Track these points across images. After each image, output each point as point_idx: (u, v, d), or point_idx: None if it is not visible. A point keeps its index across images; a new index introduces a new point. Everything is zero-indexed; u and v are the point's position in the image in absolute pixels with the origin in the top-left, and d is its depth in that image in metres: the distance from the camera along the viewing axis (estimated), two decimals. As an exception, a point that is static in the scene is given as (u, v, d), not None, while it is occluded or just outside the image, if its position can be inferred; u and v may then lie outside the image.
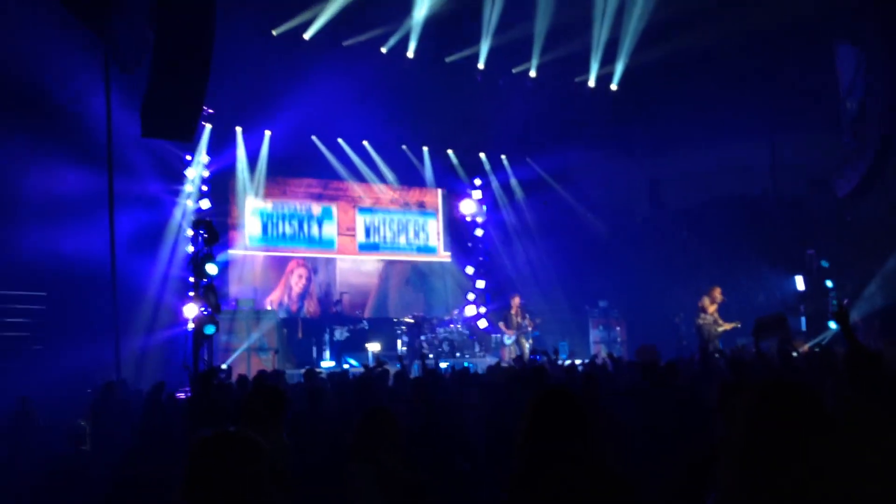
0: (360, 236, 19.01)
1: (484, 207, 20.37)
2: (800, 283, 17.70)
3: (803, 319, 17.07)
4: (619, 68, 17.29)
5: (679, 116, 17.95)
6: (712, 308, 14.85)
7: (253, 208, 17.57)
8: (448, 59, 16.46)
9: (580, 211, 20.05)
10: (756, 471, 2.01)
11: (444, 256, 19.97)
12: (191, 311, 13.14)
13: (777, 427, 2.04)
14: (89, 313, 12.34)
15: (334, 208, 18.72)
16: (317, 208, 18.49)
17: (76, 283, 12.80)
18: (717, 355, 12.33)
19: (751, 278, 17.85)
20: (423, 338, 17.08)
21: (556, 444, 2.71)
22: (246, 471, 2.50)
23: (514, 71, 17.17)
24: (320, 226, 18.48)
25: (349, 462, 3.78)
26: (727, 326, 14.70)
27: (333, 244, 18.52)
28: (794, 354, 10.36)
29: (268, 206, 17.77)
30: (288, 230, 18.01)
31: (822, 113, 16.90)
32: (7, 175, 12.31)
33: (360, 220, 19.10)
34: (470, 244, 20.21)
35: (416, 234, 19.77)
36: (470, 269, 19.87)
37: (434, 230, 20.01)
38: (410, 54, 15.93)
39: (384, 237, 19.34)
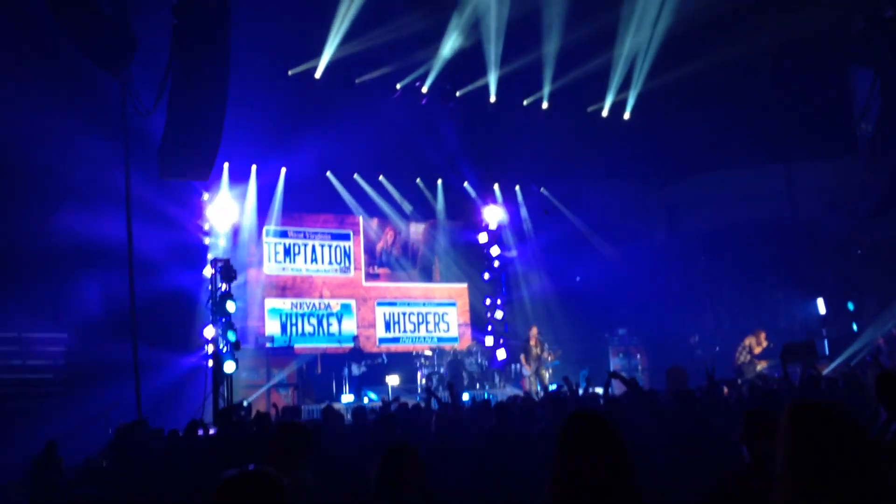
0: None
1: (505, 220, 20.30)
2: (821, 306, 17.58)
3: (825, 342, 16.94)
4: (632, 96, 17.33)
5: (694, 142, 17.97)
6: (758, 350, 15.02)
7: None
8: (459, 93, 16.58)
9: (595, 239, 20.01)
10: (806, 493, 1.99)
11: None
12: (209, 332, 13.26)
13: (817, 447, 2.02)
14: (110, 354, 12.41)
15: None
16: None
17: (96, 325, 12.90)
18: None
19: (771, 303, 17.73)
20: (442, 370, 17.05)
21: (590, 475, 2.57)
22: None
23: (525, 102, 17.24)
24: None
25: (373, 501, 3.73)
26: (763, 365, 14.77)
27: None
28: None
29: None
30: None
31: (838, 135, 16.87)
32: (27, 222, 12.47)
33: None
34: (487, 275, 20.17)
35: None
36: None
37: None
38: (425, 89, 16.15)
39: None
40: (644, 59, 15.93)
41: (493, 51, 15.27)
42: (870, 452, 2.01)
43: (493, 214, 20.13)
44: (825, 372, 12.97)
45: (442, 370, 17.11)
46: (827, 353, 16.52)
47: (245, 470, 2.63)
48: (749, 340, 15.13)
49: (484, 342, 18.79)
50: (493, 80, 16.26)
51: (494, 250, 20.15)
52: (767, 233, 18.42)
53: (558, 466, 2.62)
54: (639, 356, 18.52)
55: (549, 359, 16.69)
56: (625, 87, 17.01)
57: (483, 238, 20.22)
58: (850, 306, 16.95)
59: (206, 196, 15.77)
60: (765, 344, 15.02)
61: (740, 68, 15.50)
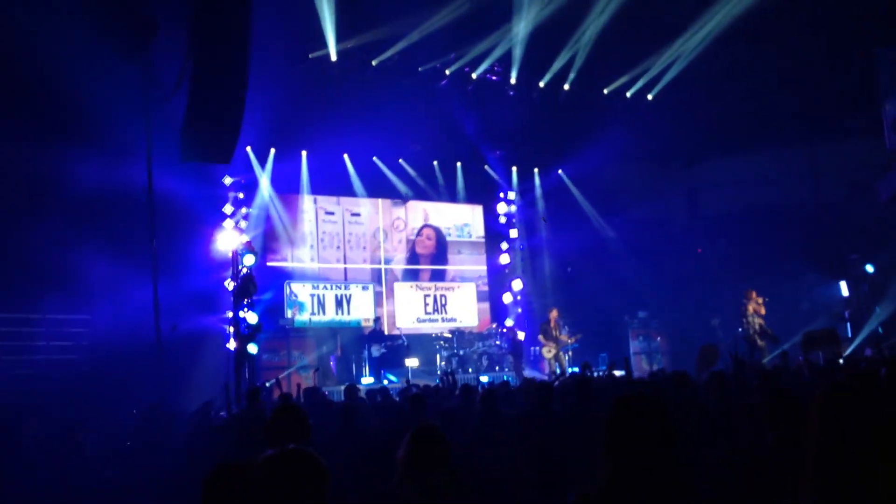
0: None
1: (514, 211, 20.32)
2: (844, 288, 17.47)
3: (849, 325, 16.86)
4: (654, 78, 17.19)
5: (716, 124, 17.82)
6: (763, 311, 14.58)
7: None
8: (475, 75, 16.51)
9: (615, 221, 19.92)
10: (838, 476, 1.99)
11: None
12: (252, 317, 13.39)
13: (851, 429, 2.02)
14: (133, 335, 12.52)
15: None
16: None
17: (119, 305, 13.01)
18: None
19: (794, 286, 17.62)
20: (461, 353, 17.10)
21: (644, 456, 2.52)
22: (312, 488, 2.54)
23: (543, 83, 17.13)
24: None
25: (399, 482, 3.73)
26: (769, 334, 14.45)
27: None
28: (840, 361, 10.23)
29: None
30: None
31: (862, 116, 16.67)
32: (51, 183, 12.52)
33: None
34: (507, 257, 20.16)
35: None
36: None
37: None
38: (448, 72, 16.13)
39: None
40: (668, 42, 15.76)
41: (518, 31, 15.18)
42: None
43: (512, 200, 20.14)
44: (846, 353, 12.91)
45: (461, 352, 17.16)
46: (850, 335, 16.44)
47: (285, 448, 2.65)
48: (751, 307, 14.60)
49: (504, 324, 18.80)
50: (515, 61, 16.18)
51: (513, 233, 20.16)
52: (790, 215, 18.30)
53: (613, 448, 2.57)
54: (659, 339, 18.48)
55: (570, 341, 16.69)
56: (648, 67, 16.86)
57: (502, 221, 20.23)
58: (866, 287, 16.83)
59: (228, 180, 15.79)
60: (761, 300, 14.61)
61: (764, 50, 15.31)
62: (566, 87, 17.14)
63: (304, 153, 17.53)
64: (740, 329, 14.69)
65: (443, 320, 19.11)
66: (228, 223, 15.51)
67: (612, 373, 11.63)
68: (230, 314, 13.95)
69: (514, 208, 20.40)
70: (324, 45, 14.64)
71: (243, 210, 16.03)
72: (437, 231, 19.76)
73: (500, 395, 7.80)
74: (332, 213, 18.35)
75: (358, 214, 18.74)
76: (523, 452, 5.81)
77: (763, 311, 14.57)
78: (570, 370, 15.56)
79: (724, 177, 19.52)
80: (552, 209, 20.37)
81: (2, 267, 12.03)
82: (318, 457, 2.58)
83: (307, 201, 17.94)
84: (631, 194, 20.03)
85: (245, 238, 14.98)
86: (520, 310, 19.53)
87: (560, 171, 20.39)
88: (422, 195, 19.37)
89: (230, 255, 14.41)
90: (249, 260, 13.76)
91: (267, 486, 2.51)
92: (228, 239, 15.00)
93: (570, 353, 16.88)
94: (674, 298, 18.07)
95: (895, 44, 15.60)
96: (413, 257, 19.46)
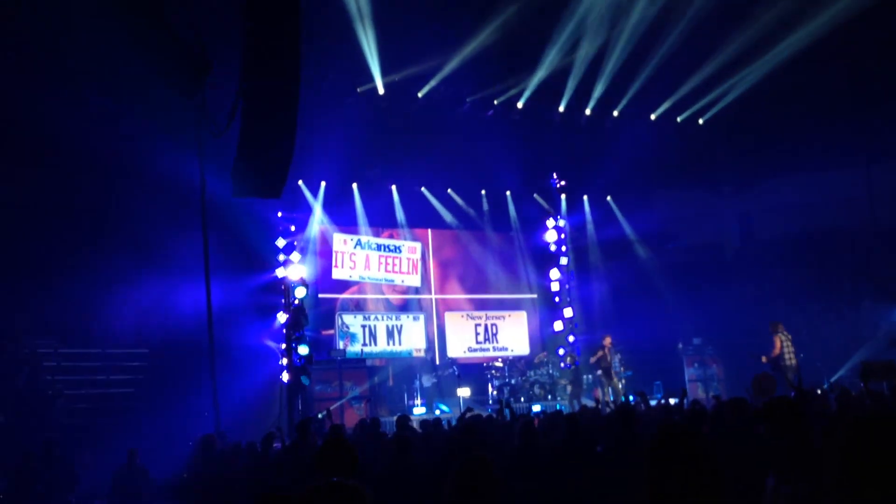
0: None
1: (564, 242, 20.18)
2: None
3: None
4: (706, 103, 17.05)
5: (769, 147, 17.58)
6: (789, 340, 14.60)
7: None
8: (520, 105, 16.56)
9: (667, 247, 19.70)
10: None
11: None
12: (303, 349, 13.53)
13: (876, 458, 1.96)
14: (189, 368, 12.74)
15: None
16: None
17: (175, 339, 13.25)
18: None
19: (850, 311, 17.16)
20: (513, 381, 17.00)
21: (680, 486, 2.44)
22: None
23: (588, 111, 17.10)
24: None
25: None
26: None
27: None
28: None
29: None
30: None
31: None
32: (105, 235, 12.87)
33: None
34: (556, 285, 20.01)
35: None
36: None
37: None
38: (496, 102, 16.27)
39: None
40: (718, 64, 15.61)
41: (581, 63, 15.24)
42: None
43: (561, 229, 20.00)
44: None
45: (513, 381, 17.05)
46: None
47: (330, 481, 2.68)
48: (782, 339, 14.58)
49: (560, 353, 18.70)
50: (567, 91, 16.22)
51: (563, 260, 19.99)
52: (845, 238, 17.86)
53: (653, 483, 2.51)
54: (714, 366, 18.10)
55: (623, 370, 16.53)
56: (699, 94, 16.72)
57: (555, 275, 20.03)
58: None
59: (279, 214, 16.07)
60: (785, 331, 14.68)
61: (817, 67, 15.07)
62: (615, 113, 17.10)
63: (354, 185, 17.74)
64: (793, 359, 14.45)
65: (494, 349, 19.05)
66: (281, 256, 15.74)
67: (668, 401, 11.42)
68: (283, 346, 14.10)
69: (562, 236, 20.24)
70: (371, 79, 14.86)
71: (295, 243, 16.24)
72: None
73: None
74: (379, 248, 18.48)
75: (406, 241, 18.85)
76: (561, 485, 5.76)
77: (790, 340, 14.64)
78: (624, 398, 15.34)
79: (777, 200, 19.17)
80: (602, 236, 20.24)
81: (62, 301, 12.35)
82: (362, 489, 2.60)
83: (352, 234, 18.09)
84: (683, 220, 19.80)
85: (299, 269, 15.10)
86: (572, 338, 19.32)
87: (609, 198, 20.26)
88: (471, 225, 19.40)
89: (283, 287, 14.60)
90: (301, 292, 13.93)
91: None
92: (283, 272, 15.20)
93: (623, 381, 16.64)
94: (728, 325, 17.70)
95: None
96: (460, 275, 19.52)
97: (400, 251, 18.68)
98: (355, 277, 18.03)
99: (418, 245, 18.95)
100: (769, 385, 11.52)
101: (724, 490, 2.47)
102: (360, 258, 18.08)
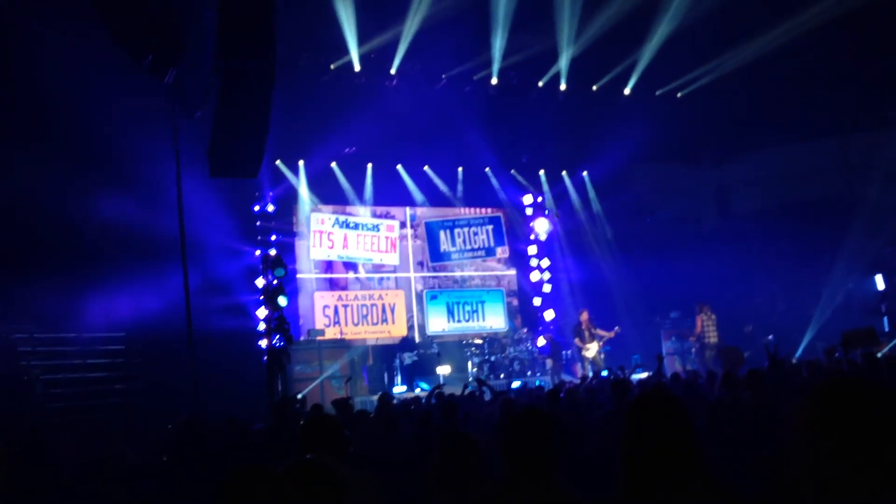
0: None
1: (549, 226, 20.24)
2: (879, 282, 17.19)
3: (885, 319, 16.59)
4: (686, 80, 17.05)
5: (746, 121, 17.64)
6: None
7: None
8: (494, 81, 16.44)
9: (644, 221, 19.80)
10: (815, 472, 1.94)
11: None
12: (261, 314, 13.50)
13: (836, 425, 1.95)
14: (167, 351, 12.64)
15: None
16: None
17: (153, 322, 13.13)
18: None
19: (829, 281, 17.36)
20: (493, 359, 17.09)
21: (660, 454, 2.56)
22: (328, 499, 2.58)
23: (563, 86, 17.01)
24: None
25: (434, 491, 3.71)
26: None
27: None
28: (879, 356, 10.06)
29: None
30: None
31: (895, 107, 16.41)
32: (78, 218, 12.68)
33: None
34: (535, 255, 20.10)
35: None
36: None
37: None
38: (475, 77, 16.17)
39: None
40: (695, 38, 15.58)
41: (562, 36, 15.13)
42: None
43: (542, 226, 20.05)
44: (885, 350, 12.69)
45: (493, 358, 17.13)
46: (887, 329, 16.17)
47: (301, 460, 2.69)
48: (704, 319, 16.51)
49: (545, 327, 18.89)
50: (547, 67, 16.18)
51: (545, 262, 20.05)
52: (823, 209, 18.03)
53: (629, 448, 2.61)
54: (691, 339, 18.27)
55: (609, 335, 16.69)
56: (675, 67, 16.70)
57: (532, 250, 20.13)
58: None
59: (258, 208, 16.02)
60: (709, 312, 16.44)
61: (792, 40, 15.09)
62: (594, 88, 17.06)
63: (333, 164, 17.63)
64: (770, 336, 14.95)
65: (474, 326, 19.12)
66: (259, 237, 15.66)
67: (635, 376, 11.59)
68: (262, 326, 14.06)
69: (543, 237, 20.32)
70: (346, 53, 14.69)
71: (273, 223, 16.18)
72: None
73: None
74: (357, 227, 18.42)
75: (389, 217, 18.81)
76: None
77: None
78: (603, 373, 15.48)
79: (754, 173, 19.30)
80: (575, 212, 20.35)
81: (37, 286, 12.18)
82: (336, 466, 2.61)
83: (327, 212, 18.03)
84: (660, 193, 19.89)
85: (276, 249, 15.06)
86: (553, 314, 19.44)
87: (585, 174, 20.29)
88: (449, 202, 19.37)
89: (262, 266, 14.55)
90: (279, 272, 13.87)
91: (284, 494, 2.55)
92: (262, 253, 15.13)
93: (602, 355, 16.78)
94: (706, 298, 17.87)
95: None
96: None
97: (378, 230, 18.63)
98: (333, 257, 17.98)
99: (396, 223, 18.91)
100: (736, 357, 11.71)
101: (694, 445, 2.58)
102: (338, 237, 18.00)
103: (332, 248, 17.92)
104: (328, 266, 17.97)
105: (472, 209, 19.84)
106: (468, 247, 19.61)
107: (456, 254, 19.51)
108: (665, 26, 14.98)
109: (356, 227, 18.32)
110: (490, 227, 19.99)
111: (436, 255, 19.30)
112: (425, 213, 19.28)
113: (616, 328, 16.82)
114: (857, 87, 16.32)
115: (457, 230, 19.62)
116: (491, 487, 2.99)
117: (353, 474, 3.89)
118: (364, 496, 3.86)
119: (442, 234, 19.43)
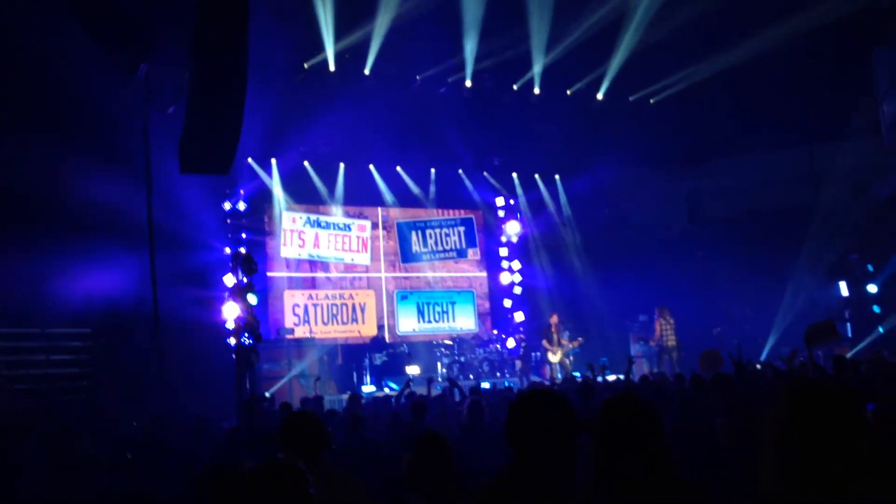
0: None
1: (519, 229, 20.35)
2: (843, 288, 17.46)
3: (849, 325, 16.85)
4: (661, 86, 17.20)
5: (716, 128, 17.84)
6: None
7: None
8: (468, 83, 16.45)
9: (616, 226, 19.94)
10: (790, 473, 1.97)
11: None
12: (230, 312, 13.40)
13: (810, 429, 1.99)
14: (134, 347, 12.52)
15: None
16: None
17: (120, 318, 12.99)
18: None
19: (794, 287, 17.60)
20: (462, 359, 17.12)
21: (628, 455, 2.60)
22: (291, 499, 2.58)
23: (537, 91, 17.09)
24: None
25: (405, 491, 3.73)
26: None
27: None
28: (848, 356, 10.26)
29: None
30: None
31: (861, 117, 16.67)
32: (50, 195, 12.48)
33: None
34: (506, 257, 20.21)
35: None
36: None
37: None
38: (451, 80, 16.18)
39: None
40: (667, 45, 15.71)
41: (536, 40, 15.16)
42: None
43: (513, 228, 20.16)
44: (849, 355, 12.90)
45: (462, 359, 17.16)
46: (850, 335, 16.42)
47: (267, 460, 2.68)
48: (662, 324, 16.68)
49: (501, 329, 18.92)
50: (521, 70, 16.22)
51: (516, 264, 20.16)
52: (790, 217, 18.27)
53: (600, 450, 2.63)
54: (651, 343, 18.41)
55: (573, 346, 16.72)
56: (648, 74, 16.84)
57: (503, 252, 20.25)
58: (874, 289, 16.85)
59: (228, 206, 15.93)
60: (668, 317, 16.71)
61: (761, 51, 15.29)
62: (569, 92, 17.16)
63: (306, 163, 17.55)
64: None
65: (443, 328, 19.15)
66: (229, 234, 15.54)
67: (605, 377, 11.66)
68: (231, 324, 13.95)
69: (515, 239, 20.45)
70: (321, 51, 14.62)
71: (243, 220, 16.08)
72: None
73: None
74: (328, 226, 18.35)
75: (362, 217, 18.76)
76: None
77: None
78: (574, 374, 15.58)
79: (723, 180, 19.52)
80: (547, 216, 20.46)
81: None
82: (301, 467, 2.61)
83: (299, 211, 17.94)
84: (632, 199, 20.04)
85: (246, 247, 14.99)
86: (523, 316, 19.55)
87: (557, 177, 20.42)
88: (420, 203, 19.38)
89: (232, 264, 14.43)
90: (249, 271, 13.74)
91: (252, 493, 2.55)
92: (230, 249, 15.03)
93: (571, 358, 16.87)
94: (674, 302, 18.04)
95: (892, 43, 15.61)
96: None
97: (350, 229, 18.59)
98: (304, 256, 17.91)
99: (368, 223, 18.88)
100: (715, 360, 11.81)
101: (667, 448, 2.63)
102: (309, 236, 17.94)
103: (302, 246, 17.85)
104: (299, 265, 17.90)
105: (445, 210, 19.88)
106: (440, 248, 19.66)
107: (427, 255, 19.54)
108: (638, 33, 15.11)
109: (328, 226, 18.27)
110: (462, 229, 20.05)
111: (407, 256, 19.31)
112: (397, 213, 19.28)
113: (579, 339, 16.91)
114: (825, 98, 16.56)
115: (428, 231, 19.65)
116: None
117: (336, 471, 3.89)
118: (348, 495, 3.85)
119: (413, 234, 19.45)
